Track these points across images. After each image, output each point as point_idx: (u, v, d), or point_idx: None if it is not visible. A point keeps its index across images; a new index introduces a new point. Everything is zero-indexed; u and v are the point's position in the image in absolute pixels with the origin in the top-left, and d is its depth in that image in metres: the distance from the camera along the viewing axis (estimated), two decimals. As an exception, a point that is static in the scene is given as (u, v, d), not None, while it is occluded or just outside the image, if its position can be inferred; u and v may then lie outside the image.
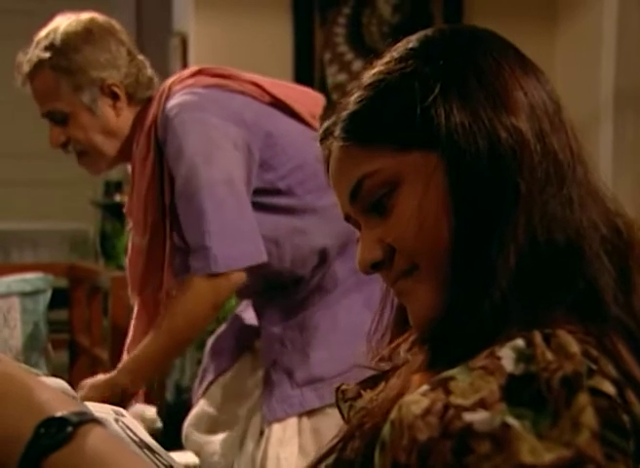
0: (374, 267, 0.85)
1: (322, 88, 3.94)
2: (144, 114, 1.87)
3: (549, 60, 4.16)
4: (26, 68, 1.86)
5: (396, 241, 0.83)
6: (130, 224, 1.95)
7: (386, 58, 0.86)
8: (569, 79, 4.07)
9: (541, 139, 0.79)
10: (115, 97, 1.86)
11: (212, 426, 1.97)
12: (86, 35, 1.84)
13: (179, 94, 1.83)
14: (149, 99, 1.88)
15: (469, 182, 0.78)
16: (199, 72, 1.90)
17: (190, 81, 1.87)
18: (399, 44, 0.86)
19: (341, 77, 4.03)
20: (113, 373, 1.78)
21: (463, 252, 0.78)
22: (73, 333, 2.90)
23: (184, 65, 4.05)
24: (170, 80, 1.90)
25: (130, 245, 1.93)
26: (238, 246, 1.75)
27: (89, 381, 1.82)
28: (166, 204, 1.84)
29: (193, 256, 1.76)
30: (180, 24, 4.25)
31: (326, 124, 0.88)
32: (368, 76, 0.86)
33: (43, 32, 1.87)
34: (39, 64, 1.84)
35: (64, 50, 1.83)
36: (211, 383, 2.00)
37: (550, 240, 0.77)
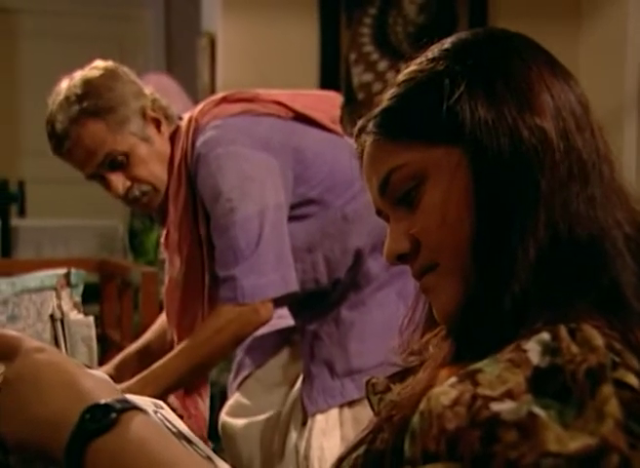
0: (399, 258, 0.87)
1: (348, 87, 3.96)
2: (174, 143, 1.87)
3: (573, 60, 4.14)
4: (64, 129, 1.80)
5: (420, 233, 0.84)
6: (166, 258, 1.95)
7: (420, 58, 0.88)
8: (592, 78, 4.05)
9: (565, 139, 0.81)
10: (157, 121, 1.86)
11: (247, 413, 2.00)
12: (109, 74, 1.83)
13: (207, 127, 1.83)
14: (176, 128, 1.88)
15: (491, 178, 0.80)
16: (223, 100, 1.91)
17: (216, 111, 1.87)
18: (434, 45, 0.88)
19: (367, 77, 4.03)
20: (131, 382, 1.77)
21: (484, 245, 0.80)
22: (104, 328, 2.92)
23: (213, 65, 4.07)
24: (196, 110, 1.90)
25: (167, 278, 1.92)
26: (265, 277, 1.76)
27: None
28: (202, 236, 1.84)
29: (223, 286, 1.78)
30: (208, 25, 4.27)
31: (360, 122, 0.90)
32: (402, 75, 0.88)
33: (60, 96, 1.81)
34: (78, 118, 1.79)
35: (97, 93, 1.80)
36: (246, 377, 2.03)
37: (572, 236, 0.78)
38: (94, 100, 1.79)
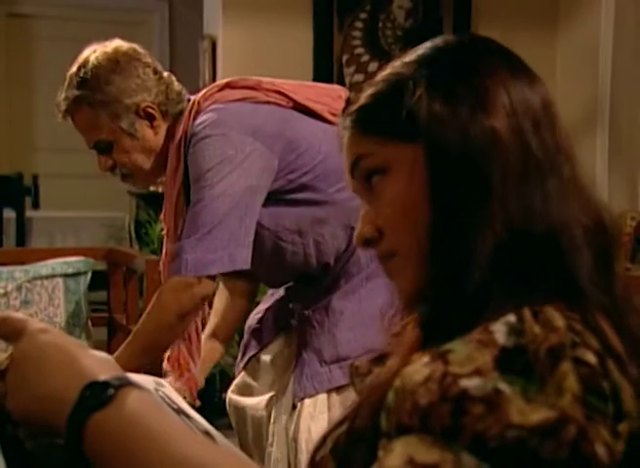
0: (366, 243, 0.89)
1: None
2: (175, 128, 1.87)
3: (550, 61, 4.15)
4: (64, 106, 1.86)
5: (382, 223, 0.86)
6: (164, 231, 1.96)
7: (395, 62, 0.89)
8: (568, 79, 4.07)
9: (520, 138, 0.81)
10: (151, 117, 1.86)
11: (251, 392, 2.00)
12: (114, 66, 1.84)
13: (206, 110, 1.83)
14: (181, 112, 1.89)
15: (444, 173, 0.81)
16: (227, 85, 1.89)
17: (218, 96, 1.87)
18: (410, 51, 0.90)
19: (358, 77, 4.04)
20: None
21: (441, 236, 0.81)
22: (111, 312, 2.93)
23: (213, 66, 4.08)
24: (200, 94, 1.89)
25: (164, 250, 1.93)
26: (212, 254, 1.74)
27: None
28: None
29: (172, 260, 1.78)
30: (209, 29, 4.27)
31: (342, 118, 0.92)
32: (380, 75, 0.90)
33: (74, 68, 1.86)
34: (75, 102, 1.84)
35: (97, 84, 1.82)
36: (252, 357, 2.03)
37: (528, 229, 0.79)
38: (92, 92, 1.83)
